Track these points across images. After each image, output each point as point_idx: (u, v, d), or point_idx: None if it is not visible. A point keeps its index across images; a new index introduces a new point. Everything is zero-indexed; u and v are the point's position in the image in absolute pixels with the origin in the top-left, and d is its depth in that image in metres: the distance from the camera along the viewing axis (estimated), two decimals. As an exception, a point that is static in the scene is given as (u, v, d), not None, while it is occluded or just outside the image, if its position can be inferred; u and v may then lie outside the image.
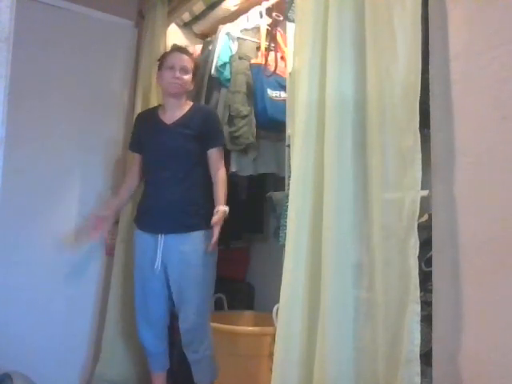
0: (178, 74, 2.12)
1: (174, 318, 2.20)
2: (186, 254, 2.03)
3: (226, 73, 2.39)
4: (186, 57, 2.16)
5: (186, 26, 2.91)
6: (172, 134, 2.13)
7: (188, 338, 2.04)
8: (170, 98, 2.17)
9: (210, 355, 2.06)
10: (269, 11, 2.31)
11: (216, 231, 2.00)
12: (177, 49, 2.26)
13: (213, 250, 2.03)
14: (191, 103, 2.23)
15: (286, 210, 1.46)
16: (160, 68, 2.19)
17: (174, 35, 2.83)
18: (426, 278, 1.16)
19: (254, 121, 2.33)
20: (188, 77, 2.15)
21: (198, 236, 2.04)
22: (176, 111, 2.17)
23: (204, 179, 2.13)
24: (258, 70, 2.32)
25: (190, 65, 2.16)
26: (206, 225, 2.01)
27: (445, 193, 1.12)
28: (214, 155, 2.15)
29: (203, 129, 2.14)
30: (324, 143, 1.30)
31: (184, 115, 2.16)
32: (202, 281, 2.04)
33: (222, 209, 2.03)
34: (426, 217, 1.23)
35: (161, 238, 2.06)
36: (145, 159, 2.24)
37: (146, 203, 2.17)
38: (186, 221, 2.06)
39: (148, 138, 2.20)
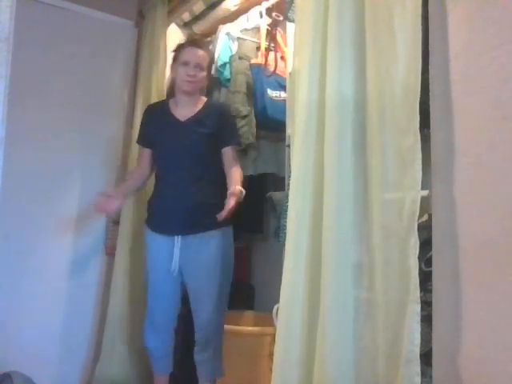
0: (192, 71, 2.03)
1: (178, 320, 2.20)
2: (204, 254, 2.01)
3: (226, 73, 2.40)
4: (201, 52, 2.07)
5: (186, 25, 2.91)
6: (186, 131, 2.07)
7: (202, 336, 2.03)
8: (184, 95, 2.11)
9: (218, 354, 2.06)
10: (269, 11, 2.31)
11: (232, 201, 1.83)
12: (193, 43, 2.13)
13: (224, 218, 1.85)
14: (205, 99, 2.17)
15: (286, 210, 1.46)
16: (174, 60, 2.12)
17: (174, 35, 2.83)
18: (425, 278, 1.16)
19: (254, 121, 2.33)
20: (203, 74, 2.08)
21: (214, 235, 2.02)
22: (189, 108, 2.11)
23: (219, 178, 2.07)
24: (258, 70, 2.33)
25: (205, 61, 2.08)
26: (222, 224, 1.99)
27: (445, 193, 1.12)
28: (229, 154, 2.09)
29: (218, 126, 2.08)
30: (324, 143, 1.30)
31: (198, 112, 2.11)
32: (220, 280, 2.03)
33: (238, 188, 1.91)
34: (425, 217, 1.23)
35: (177, 240, 2.02)
36: (157, 156, 2.16)
37: (159, 203, 2.10)
38: (203, 220, 2.00)
39: (161, 134, 2.12)
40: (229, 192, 1.89)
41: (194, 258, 2.02)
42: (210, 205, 2.01)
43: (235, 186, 1.92)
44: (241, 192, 1.90)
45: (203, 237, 2.01)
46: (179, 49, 2.11)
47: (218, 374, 2.08)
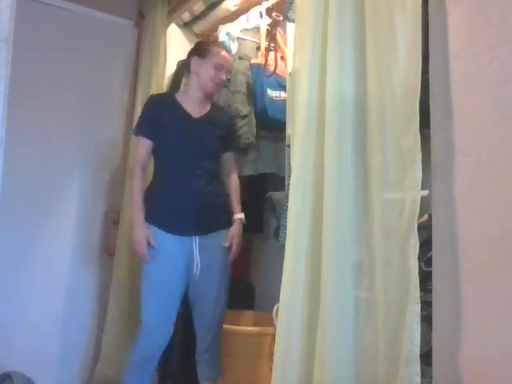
0: (223, 75, 2.07)
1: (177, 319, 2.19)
2: (216, 255, 2.01)
3: (226, 73, 2.39)
4: (230, 58, 2.14)
5: (186, 25, 2.91)
6: (201, 129, 2.06)
7: (207, 337, 2.02)
8: (202, 94, 2.08)
9: (220, 355, 2.06)
10: (269, 11, 2.31)
11: (235, 244, 2.03)
12: (224, 48, 2.16)
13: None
14: (210, 101, 2.17)
15: (286, 210, 1.46)
16: (202, 57, 2.05)
17: (174, 35, 2.83)
18: (425, 278, 1.16)
19: (254, 121, 2.33)
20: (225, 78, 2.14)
21: (222, 235, 2.04)
22: (200, 106, 2.09)
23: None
24: (257, 70, 2.33)
25: (230, 67, 2.16)
26: (228, 223, 2.06)
27: (445, 193, 1.12)
28: (231, 159, 2.16)
29: (227, 130, 2.12)
30: (324, 143, 1.30)
31: (209, 112, 2.10)
32: (227, 279, 2.06)
33: (238, 217, 2.07)
34: (426, 217, 1.23)
35: (195, 240, 1.98)
36: (167, 152, 2.04)
37: (172, 202, 1.99)
38: (217, 219, 2.04)
39: (173, 128, 2.03)
40: (230, 235, 2.03)
41: (207, 259, 2.00)
42: (220, 204, 2.06)
43: (236, 214, 2.07)
44: (241, 221, 2.08)
45: (214, 237, 2.01)
46: (211, 50, 2.06)
47: (219, 375, 2.08)
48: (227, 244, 2.02)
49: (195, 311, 2.06)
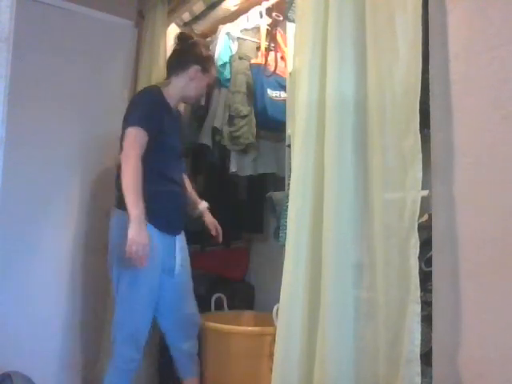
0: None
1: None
2: (186, 251, 2.08)
3: (226, 73, 2.39)
4: None
5: (186, 26, 2.91)
6: (181, 130, 2.14)
7: (193, 331, 2.06)
8: (180, 98, 2.11)
9: (197, 349, 2.09)
10: (269, 11, 2.31)
11: (219, 229, 2.19)
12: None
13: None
14: None
15: (286, 210, 1.46)
16: (203, 71, 2.07)
17: (174, 35, 2.83)
18: (425, 278, 1.16)
19: (254, 121, 2.33)
20: None
21: (182, 233, 2.10)
22: (175, 108, 2.14)
23: None
24: (257, 70, 2.33)
25: None
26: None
27: (445, 193, 1.12)
28: None
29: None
30: (324, 143, 1.30)
31: (178, 115, 2.20)
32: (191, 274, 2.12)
33: (206, 206, 2.21)
34: (426, 217, 1.23)
35: (178, 239, 2.02)
36: (166, 150, 1.98)
37: (172, 203, 1.98)
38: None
39: (169, 128, 1.99)
40: (210, 218, 2.20)
41: (183, 258, 2.05)
42: None
43: (202, 202, 2.21)
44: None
45: (183, 235, 2.08)
46: (212, 68, 2.15)
47: (199, 370, 2.09)
48: (214, 233, 2.18)
49: (177, 310, 2.03)
